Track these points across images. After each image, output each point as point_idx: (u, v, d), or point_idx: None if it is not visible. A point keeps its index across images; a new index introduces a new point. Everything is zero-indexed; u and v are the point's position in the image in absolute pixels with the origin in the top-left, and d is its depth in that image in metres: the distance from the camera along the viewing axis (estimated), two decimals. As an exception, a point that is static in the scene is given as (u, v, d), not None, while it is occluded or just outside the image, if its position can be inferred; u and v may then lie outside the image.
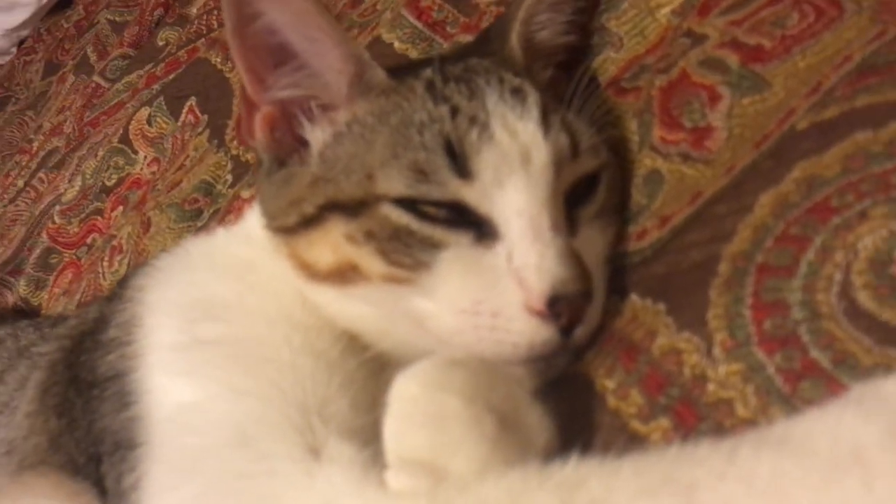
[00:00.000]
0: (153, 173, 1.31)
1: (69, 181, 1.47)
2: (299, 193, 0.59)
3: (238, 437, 0.51)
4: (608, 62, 0.68)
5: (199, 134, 1.25)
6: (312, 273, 0.59)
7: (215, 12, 1.50)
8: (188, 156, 1.23)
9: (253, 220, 0.66)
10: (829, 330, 0.43)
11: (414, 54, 0.91)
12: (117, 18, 1.91)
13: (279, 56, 0.59)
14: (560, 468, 0.41)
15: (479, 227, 0.54)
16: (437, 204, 0.55)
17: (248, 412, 0.53)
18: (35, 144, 1.82)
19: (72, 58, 2.03)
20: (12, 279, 1.41)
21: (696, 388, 0.47)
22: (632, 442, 0.48)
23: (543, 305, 0.51)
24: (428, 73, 0.60)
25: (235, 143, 1.15)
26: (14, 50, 2.43)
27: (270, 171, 0.63)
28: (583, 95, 0.61)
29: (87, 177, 1.41)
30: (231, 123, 1.19)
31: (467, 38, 0.85)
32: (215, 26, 1.47)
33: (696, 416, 0.46)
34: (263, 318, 0.59)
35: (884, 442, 0.34)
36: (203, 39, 1.45)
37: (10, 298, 1.38)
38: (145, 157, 1.34)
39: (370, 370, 0.57)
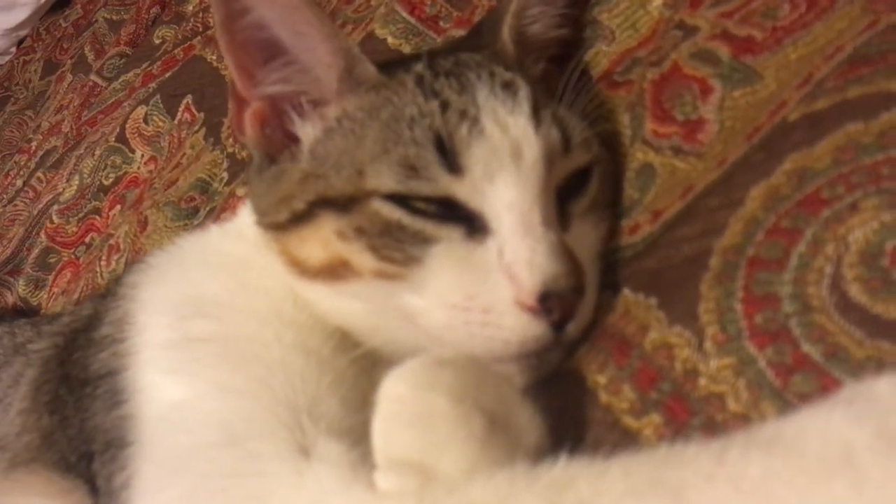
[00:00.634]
0: (150, 172, 1.31)
1: (67, 180, 1.47)
2: (290, 190, 0.59)
3: (227, 436, 0.51)
4: (600, 55, 0.68)
5: (196, 132, 1.25)
6: (303, 270, 0.58)
7: (211, 9, 1.50)
8: (185, 154, 1.23)
9: (246, 217, 0.66)
10: (820, 323, 0.43)
11: (407, 49, 0.90)
12: (114, 17, 1.91)
13: (268, 51, 0.59)
14: (548, 469, 0.41)
15: (470, 222, 0.54)
16: (428, 200, 0.54)
17: (237, 411, 0.52)
18: (34, 144, 1.82)
19: (70, 57, 2.03)
20: (11, 279, 1.41)
21: (687, 382, 0.46)
22: (624, 438, 0.48)
23: (535, 301, 0.51)
24: (418, 67, 0.60)
25: (231, 140, 1.15)
26: (13, 50, 2.43)
27: (261, 168, 0.62)
28: (574, 89, 0.60)
29: (85, 176, 1.41)
30: (227, 121, 1.19)
31: (460, 32, 0.85)
32: (211, 24, 1.46)
33: (688, 411, 0.46)
34: (254, 315, 0.59)
35: (874, 444, 0.34)
36: (199, 37, 1.45)
37: (10, 298, 1.38)
38: (142, 155, 1.34)
39: (361, 368, 0.56)
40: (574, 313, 0.52)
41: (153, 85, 1.43)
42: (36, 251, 1.41)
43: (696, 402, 0.46)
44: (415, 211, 0.54)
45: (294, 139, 0.61)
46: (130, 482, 0.55)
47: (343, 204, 0.56)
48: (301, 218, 0.58)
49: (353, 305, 0.57)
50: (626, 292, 0.54)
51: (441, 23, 0.90)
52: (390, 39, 0.93)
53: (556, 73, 0.65)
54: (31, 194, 1.61)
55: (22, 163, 1.78)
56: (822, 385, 0.41)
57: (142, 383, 0.58)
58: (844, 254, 0.43)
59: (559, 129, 0.57)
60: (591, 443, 0.48)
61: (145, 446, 0.55)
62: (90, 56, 1.88)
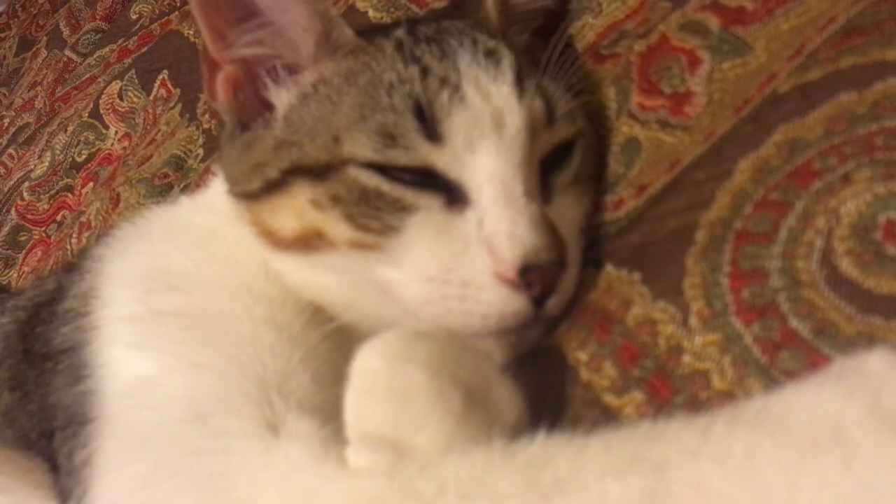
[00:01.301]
0: (124, 149, 1.28)
1: (39, 157, 1.43)
2: (262, 157, 0.57)
3: (193, 413, 0.49)
4: (586, 28, 0.66)
5: (171, 108, 1.22)
6: (276, 240, 0.56)
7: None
8: (160, 130, 1.20)
9: (217, 189, 0.64)
10: (809, 298, 0.41)
11: (388, 22, 0.88)
12: (91, -9, 1.87)
13: (241, 11, 0.56)
14: (526, 446, 0.39)
15: (449, 193, 0.52)
16: (406, 169, 0.52)
17: (204, 386, 0.50)
18: (6, 121, 1.78)
19: (46, 33, 1.99)
20: (-20, 258, 1.37)
21: (671, 359, 0.45)
22: (604, 416, 0.46)
23: (515, 274, 0.49)
24: (398, 33, 0.58)
25: (207, 116, 1.12)
26: (-13, 26, 2.38)
27: (233, 135, 0.60)
28: (559, 61, 0.58)
29: (57, 152, 1.38)
30: (203, 97, 1.16)
31: (443, 5, 0.82)
32: (189, -2, 1.43)
33: (671, 389, 0.44)
34: (224, 288, 0.57)
35: (864, 420, 0.33)
36: (177, 12, 1.42)
37: (-22, 277, 1.35)
38: (116, 132, 1.31)
39: (334, 343, 0.54)
40: (555, 288, 0.51)
41: (128, 60, 1.40)
42: (6, 229, 1.37)
43: (680, 380, 0.44)
44: (393, 178, 0.52)
45: (268, 106, 0.59)
46: (91, 459, 0.53)
47: (318, 172, 0.54)
48: (274, 186, 0.55)
49: (326, 278, 0.55)
50: (609, 268, 0.53)
51: (423, -4, 0.88)
52: (371, 13, 0.91)
53: (541, 45, 0.63)
54: (1, 171, 1.57)
55: (-6, 140, 1.74)
56: (810, 362, 0.40)
57: (105, 358, 0.56)
58: (836, 227, 0.42)
59: (543, 100, 0.55)
60: (570, 421, 0.47)
61: (108, 423, 0.53)
62: (65, 31, 1.84)
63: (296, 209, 0.54)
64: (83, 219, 1.19)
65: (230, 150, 0.61)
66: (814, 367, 0.40)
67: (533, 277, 0.49)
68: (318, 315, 0.56)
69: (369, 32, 0.60)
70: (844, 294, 0.40)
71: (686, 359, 0.44)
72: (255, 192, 0.57)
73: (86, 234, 1.16)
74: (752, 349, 0.42)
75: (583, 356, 0.49)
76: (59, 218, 1.32)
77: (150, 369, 0.53)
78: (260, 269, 0.57)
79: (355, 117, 0.53)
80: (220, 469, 0.47)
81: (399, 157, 0.52)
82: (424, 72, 0.54)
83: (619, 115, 0.60)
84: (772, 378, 0.41)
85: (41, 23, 2.08)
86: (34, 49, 1.99)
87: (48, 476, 0.59)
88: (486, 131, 0.52)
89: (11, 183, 1.47)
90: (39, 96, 1.68)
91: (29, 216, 1.37)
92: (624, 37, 0.63)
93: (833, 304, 0.41)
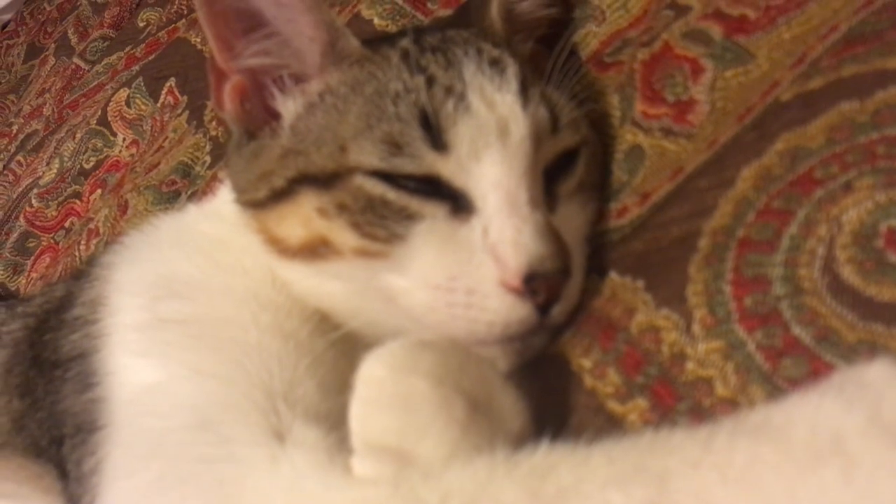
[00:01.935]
0: (132, 155, 1.29)
1: (47, 164, 1.44)
2: (269, 166, 0.57)
3: (200, 421, 0.49)
4: (590, 36, 0.67)
5: (179, 115, 1.23)
6: (283, 248, 0.57)
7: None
8: (167, 137, 1.21)
9: (224, 197, 0.64)
10: (811, 306, 0.42)
11: (394, 31, 0.88)
12: (99, 0, 1.88)
13: (248, 22, 0.57)
14: (529, 455, 0.40)
15: (454, 201, 0.53)
16: (411, 178, 0.53)
17: (210, 394, 0.51)
18: (14, 128, 1.79)
19: (53, 41, 2.00)
20: (-11, 264, 1.38)
21: (674, 366, 0.45)
22: (608, 423, 0.46)
23: (520, 282, 0.49)
24: (404, 42, 0.58)
25: (214, 124, 1.13)
26: (-4, 33, 2.39)
27: (240, 144, 0.61)
28: (563, 70, 0.59)
29: (66, 159, 1.39)
30: (210, 104, 1.17)
31: (448, 13, 0.83)
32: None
33: (675, 396, 0.45)
34: (231, 296, 0.57)
35: (865, 431, 0.33)
36: (184, 20, 1.43)
37: (-13, 283, 1.36)
38: (124, 139, 1.32)
39: (340, 351, 0.55)
40: (560, 295, 0.51)
41: (136, 67, 1.41)
42: (15, 235, 1.38)
43: (683, 387, 0.44)
44: (399, 186, 0.52)
45: (275, 115, 0.59)
46: (100, 467, 0.53)
47: (324, 180, 0.54)
48: (281, 195, 0.56)
49: (332, 286, 0.55)
50: (613, 275, 0.53)
51: (428, 4, 0.88)
52: (377, 20, 0.91)
53: (545, 53, 0.64)
54: (10, 178, 1.58)
55: (2, 147, 1.75)
56: (812, 369, 0.40)
57: (113, 366, 0.56)
58: (837, 235, 0.42)
59: (547, 108, 0.55)
60: (574, 427, 0.47)
61: (116, 430, 0.53)
62: (73, 39, 1.85)
63: (302, 217, 0.55)
64: (91, 225, 1.20)
65: (237, 159, 0.61)
66: (816, 375, 0.40)
67: (538, 285, 0.50)
68: (324, 323, 0.56)
69: (375, 42, 0.60)
70: (846, 302, 0.41)
71: (689, 366, 0.45)
72: (262, 200, 0.57)
73: (94, 241, 1.16)
74: (755, 356, 0.42)
75: (587, 363, 0.50)
76: (67, 224, 1.33)
77: (157, 377, 0.54)
78: (266, 277, 0.58)
79: (361, 126, 0.54)
80: (226, 477, 0.47)
81: (405, 165, 0.52)
82: (430, 81, 0.54)
83: (622, 123, 0.60)
84: (775, 385, 0.41)
85: (49, 30, 2.10)
86: (42, 56, 2.01)
87: (57, 483, 0.59)
88: (491, 140, 0.52)
89: (20, 190, 1.48)
90: (48, 103, 1.69)
91: (37, 223, 1.38)
92: (627, 45, 0.64)
93: (835, 312, 0.41)
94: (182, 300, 0.57)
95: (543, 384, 0.50)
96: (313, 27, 0.56)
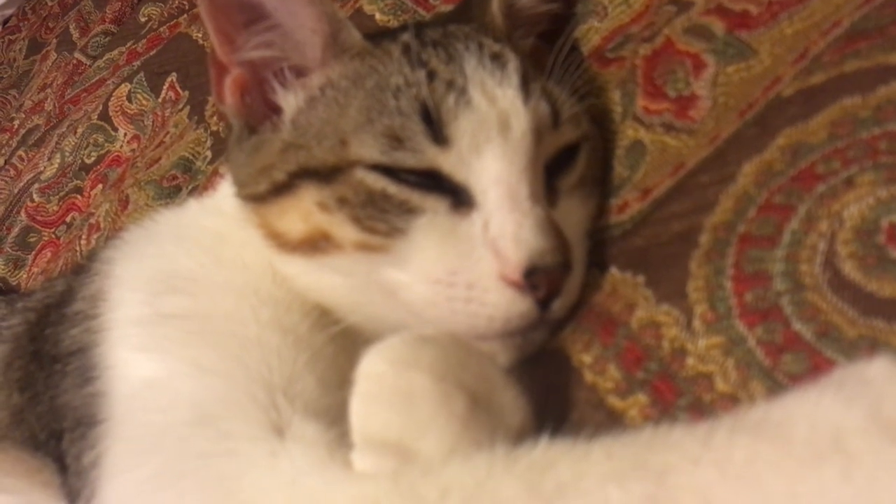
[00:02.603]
0: (133, 150, 1.29)
1: (48, 159, 1.44)
2: (270, 160, 0.57)
3: (199, 416, 0.49)
4: (592, 32, 0.66)
5: (180, 111, 1.23)
6: (283, 243, 0.57)
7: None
8: (168, 133, 1.21)
9: (225, 191, 0.64)
10: (812, 301, 0.41)
11: (395, 26, 0.88)
12: (100, -6, 1.88)
13: (249, 14, 0.56)
14: (528, 451, 0.40)
15: (455, 195, 0.52)
16: (412, 172, 0.53)
17: (210, 389, 0.51)
18: (16, 123, 1.79)
19: (55, 36, 2.00)
20: (-10, 258, 1.38)
21: (674, 362, 0.45)
22: (608, 418, 0.46)
23: (520, 276, 0.49)
24: (405, 36, 0.58)
25: (216, 119, 1.13)
26: (-2, 29, 2.39)
27: (241, 138, 0.60)
28: (564, 65, 0.59)
29: (67, 154, 1.38)
30: (212, 99, 1.16)
31: (449, 9, 0.82)
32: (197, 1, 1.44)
33: (675, 392, 0.44)
34: (231, 291, 0.57)
35: (866, 428, 0.33)
36: (185, 15, 1.42)
37: (-12, 278, 1.36)
38: (125, 134, 1.31)
39: (340, 346, 0.55)
40: (560, 290, 0.51)
41: (137, 63, 1.40)
42: (16, 230, 1.38)
43: (684, 382, 0.44)
44: (400, 180, 0.52)
45: (276, 109, 0.59)
46: (99, 461, 0.53)
47: (325, 174, 0.54)
48: (281, 189, 0.56)
49: (333, 280, 0.55)
50: (614, 271, 0.53)
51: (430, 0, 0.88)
52: (378, 16, 0.91)
53: (546, 49, 0.64)
54: (11, 172, 1.58)
55: (3, 141, 1.75)
56: (813, 365, 0.40)
57: (113, 360, 0.56)
58: (839, 230, 0.42)
59: (548, 103, 0.55)
60: (575, 423, 0.47)
61: (115, 425, 0.53)
62: (75, 34, 1.85)
63: (303, 211, 0.55)
64: (92, 220, 1.19)
65: (238, 153, 0.61)
66: (816, 371, 0.40)
67: (538, 280, 0.50)
68: (324, 318, 0.56)
69: (376, 36, 0.60)
70: (847, 297, 0.40)
71: (690, 361, 0.44)
72: (263, 194, 0.57)
73: (95, 236, 1.16)
74: (756, 352, 0.42)
75: (587, 358, 0.49)
76: (68, 219, 1.33)
77: (156, 372, 0.54)
78: (267, 272, 0.58)
79: (362, 120, 0.54)
80: (225, 472, 0.47)
81: (406, 159, 0.52)
82: (431, 75, 0.54)
83: (623, 118, 0.60)
84: (775, 381, 0.41)
85: (51, 25, 2.09)
86: (44, 51, 2.00)
87: (57, 477, 0.59)
88: (492, 134, 0.52)
89: (21, 184, 1.48)
90: (49, 98, 1.69)
91: (38, 217, 1.38)
92: (629, 40, 0.63)
93: (836, 308, 0.41)
94: (182, 295, 0.57)
95: (544, 379, 0.50)
96: (315, 19, 0.56)
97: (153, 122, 1.28)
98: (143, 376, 0.54)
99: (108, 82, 1.47)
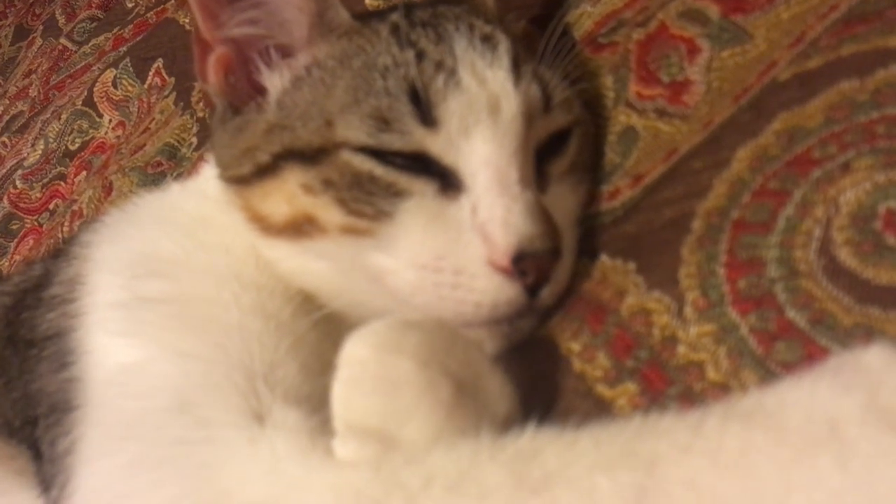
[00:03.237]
0: (118, 137, 1.27)
1: (32, 145, 1.42)
2: (254, 141, 0.56)
3: (177, 402, 0.48)
4: (584, 17, 0.65)
5: (166, 97, 1.21)
6: (266, 226, 0.55)
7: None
8: (154, 119, 1.19)
9: (208, 174, 0.62)
10: (806, 288, 0.41)
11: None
12: (87, -20, 1.85)
13: None
14: (515, 439, 0.38)
15: (443, 178, 0.51)
16: (400, 154, 0.51)
17: (189, 375, 0.49)
18: (0, 109, 1.76)
19: (42, 22, 1.97)
20: (-28, 246, 1.36)
21: (665, 350, 0.44)
22: (596, 407, 0.45)
23: (508, 262, 0.48)
24: (394, 16, 0.57)
25: (202, 105, 1.11)
26: (-17, 15, 2.36)
27: (224, 118, 0.59)
28: (556, 49, 0.58)
29: (51, 140, 1.37)
30: (198, 86, 1.15)
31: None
32: (185, -14, 1.42)
33: (665, 380, 0.43)
34: (212, 276, 0.55)
35: (861, 417, 0.32)
36: (172, 0, 1.40)
37: (-30, 266, 1.33)
38: (110, 120, 1.30)
39: (323, 333, 0.53)
40: (549, 276, 0.50)
41: (123, 48, 1.39)
42: (-2, 217, 1.36)
43: (674, 371, 0.43)
44: (387, 162, 0.51)
45: (260, 90, 0.58)
46: (74, 447, 0.52)
47: (310, 156, 0.53)
48: (265, 171, 0.54)
49: (317, 265, 0.54)
50: (604, 258, 0.52)
51: (421, -16, 0.86)
52: (368, 0, 0.89)
53: (538, 34, 0.63)
54: (-6, 159, 1.55)
55: (-13, 128, 1.73)
56: (807, 353, 0.39)
57: (90, 345, 0.55)
58: (835, 216, 0.41)
59: (539, 87, 0.54)
60: (562, 412, 0.46)
61: (91, 410, 0.52)
62: (61, 20, 1.82)
63: (287, 194, 0.53)
64: (75, 207, 1.18)
65: (221, 134, 0.59)
66: (810, 359, 0.39)
67: (527, 265, 0.48)
68: (307, 304, 0.55)
69: (365, 16, 0.59)
70: (843, 284, 0.40)
71: (681, 349, 0.43)
72: (246, 176, 0.56)
73: (77, 223, 1.14)
74: (748, 340, 0.41)
75: (576, 346, 0.48)
76: (51, 207, 1.31)
77: (134, 357, 0.52)
78: (249, 256, 0.56)
79: (349, 101, 0.52)
80: (204, 459, 0.46)
81: (393, 141, 0.51)
82: (420, 56, 0.53)
83: (616, 104, 0.59)
84: (767, 369, 0.40)
85: (37, 11, 2.07)
86: (30, 38, 1.98)
87: (31, 464, 0.58)
88: (482, 117, 0.51)
89: (4, 171, 1.46)
90: (34, 84, 1.67)
91: (21, 204, 1.36)
92: (622, 25, 0.62)
93: (831, 295, 0.40)
94: (162, 279, 0.56)
95: (531, 368, 0.49)
96: None
97: (139, 108, 1.26)
98: (121, 361, 0.52)
99: (94, 68, 1.45)
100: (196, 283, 0.55)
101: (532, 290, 0.49)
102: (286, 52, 0.57)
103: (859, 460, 0.31)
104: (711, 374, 0.42)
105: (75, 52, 1.61)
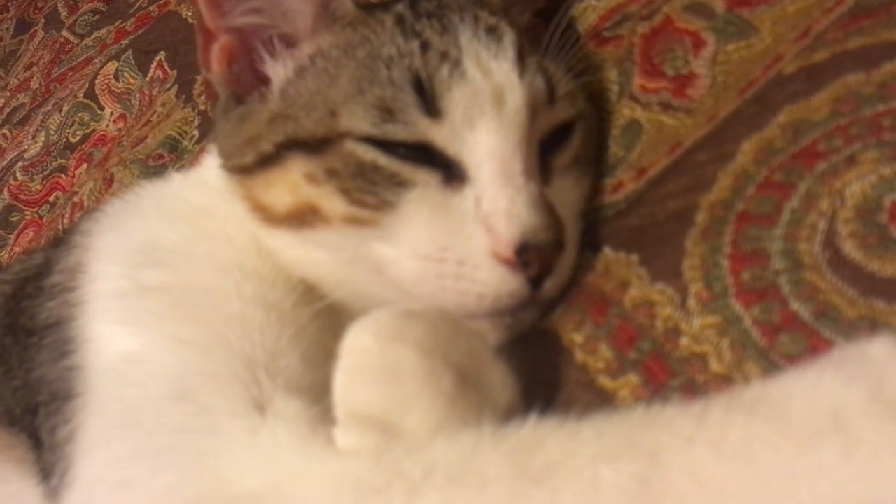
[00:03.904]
0: (119, 130, 1.27)
1: (33, 137, 1.42)
2: (257, 131, 0.55)
3: (178, 390, 0.48)
4: (589, 10, 0.65)
5: (168, 90, 1.21)
6: (269, 216, 0.55)
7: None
8: (155, 112, 1.19)
9: (210, 164, 0.62)
10: (811, 281, 0.40)
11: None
12: (90, -27, 1.85)
13: None
14: (516, 429, 0.38)
15: (447, 169, 0.51)
16: (404, 144, 0.51)
17: (190, 364, 0.49)
18: (1, 101, 1.76)
19: (44, 15, 1.97)
20: (-29, 238, 1.36)
21: (668, 342, 0.44)
22: (599, 399, 0.45)
23: (512, 253, 0.48)
24: (399, 7, 0.57)
25: (203, 98, 1.11)
26: (-15, 8, 2.35)
27: (227, 108, 0.59)
28: (560, 42, 0.57)
29: (52, 132, 1.36)
30: (200, 79, 1.14)
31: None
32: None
33: (668, 372, 0.43)
34: (214, 265, 0.55)
35: (866, 408, 0.32)
36: (175, -7, 1.40)
37: (-30, 258, 1.33)
38: (111, 112, 1.29)
39: (324, 323, 0.53)
40: (552, 268, 0.50)
41: (126, 41, 1.38)
42: (-2, 209, 1.36)
43: (677, 363, 0.43)
44: (390, 152, 0.51)
45: (264, 79, 0.57)
46: (74, 435, 0.51)
47: (314, 145, 0.52)
48: (268, 160, 0.54)
49: (319, 255, 0.54)
50: (607, 251, 0.52)
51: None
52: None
53: (543, 27, 0.62)
54: (-5, 151, 1.55)
55: (-12, 120, 1.72)
56: (810, 345, 0.39)
57: (91, 333, 0.54)
58: (840, 209, 0.41)
59: (544, 79, 0.54)
60: (564, 403, 0.46)
61: (92, 398, 0.52)
62: (63, 12, 1.82)
63: (290, 183, 0.53)
64: (76, 199, 1.18)
65: (224, 123, 0.59)
66: (814, 351, 0.39)
67: (530, 257, 0.48)
68: (308, 293, 0.55)
69: (370, 6, 0.58)
70: (847, 277, 0.40)
71: (684, 341, 0.43)
72: (249, 165, 0.55)
73: (78, 215, 1.14)
74: (752, 332, 0.41)
75: (578, 338, 0.48)
76: (52, 199, 1.31)
77: (135, 345, 0.52)
78: (251, 246, 0.56)
79: (353, 91, 0.52)
80: (204, 448, 0.46)
81: (397, 131, 0.51)
82: (425, 46, 0.53)
83: (620, 97, 0.59)
84: (771, 361, 0.40)
85: (39, 4, 2.06)
86: (32, 31, 1.97)
87: (31, 452, 0.58)
88: (487, 108, 0.51)
89: (5, 163, 1.46)
90: (35, 77, 1.67)
91: (21, 196, 1.36)
92: (627, 19, 0.62)
93: (835, 287, 0.40)
94: (163, 268, 0.56)
95: (533, 359, 0.49)
96: None
97: (140, 101, 1.26)
98: (122, 350, 0.52)
99: (96, 61, 1.45)
100: (197, 273, 0.55)
101: (535, 282, 0.49)
102: (290, 42, 0.57)
103: (863, 451, 0.31)
104: (714, 366, 0.42)
105: (77, 44, 1.61)
